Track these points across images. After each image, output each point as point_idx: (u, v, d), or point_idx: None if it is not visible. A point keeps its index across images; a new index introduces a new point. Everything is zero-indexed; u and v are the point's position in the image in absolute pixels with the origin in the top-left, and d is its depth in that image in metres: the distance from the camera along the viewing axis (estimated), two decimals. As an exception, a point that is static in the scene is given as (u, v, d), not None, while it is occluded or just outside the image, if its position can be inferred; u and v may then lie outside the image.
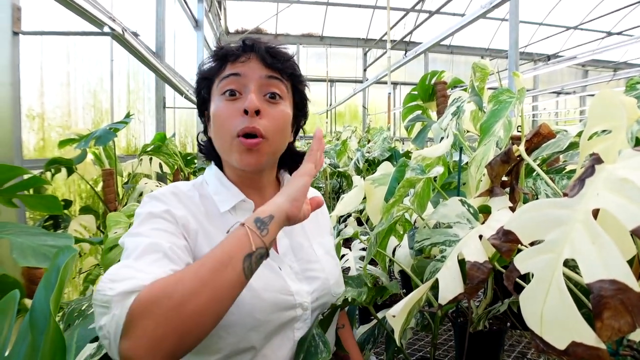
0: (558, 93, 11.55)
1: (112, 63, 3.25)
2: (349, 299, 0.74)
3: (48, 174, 2.06)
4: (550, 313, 0.40)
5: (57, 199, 1.38)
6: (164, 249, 0.61)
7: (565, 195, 0.42)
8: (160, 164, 2.72)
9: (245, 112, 0.72)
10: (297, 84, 0.83)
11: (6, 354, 0.42)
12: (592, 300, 0.34)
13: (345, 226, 1.78)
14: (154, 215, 0.68)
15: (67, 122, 2.64)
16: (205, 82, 0.81)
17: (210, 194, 0.80)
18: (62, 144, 2.12)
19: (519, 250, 0.48)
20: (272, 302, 0.72)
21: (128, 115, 2.16)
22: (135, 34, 1.96)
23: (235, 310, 0.67)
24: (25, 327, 0.42)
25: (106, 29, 1.57)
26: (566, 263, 0.58)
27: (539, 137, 0.63)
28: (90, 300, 1.04)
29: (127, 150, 3.59)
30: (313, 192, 1.01)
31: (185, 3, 5.62)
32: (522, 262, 0.43)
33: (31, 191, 1.78)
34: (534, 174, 1.01)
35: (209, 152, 0.85)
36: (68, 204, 2.18)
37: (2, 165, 1.23)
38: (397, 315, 0.51)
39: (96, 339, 0.75)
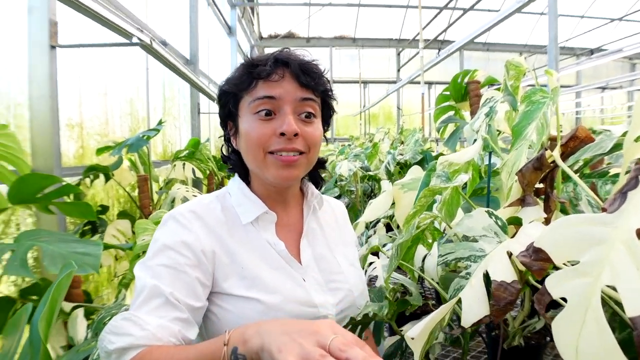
0: (603, 88, 10.94)
1: (148, 72, 3.35)
2: (370, 314, 0.70)
3: (87, 181, 2.13)
4: (586, 345, 0.35)
5: (90, 206, 1.42)
6: (165, 295, 0.65)
7: (603, 210, 0.37)
8: (193, 169, 2.77)
9: (282, 134, 0.73)
10: (327, 98, 0.83)
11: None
12: (635, 339, 0.29)
13: (375, 232, 1.73)
14: (168, 247, 0.70)
15: (105, 130, 2.73)
16: (232, 96, 0.80)
17: (233, 206, 0.81)
18: (100, 151, 2.19)
19: (556, 267, 0.43)
20: (295, 315, 0.71)
21: (160, 123, 2.20)
22: (164, 43, 2.00)
23: None
24: (27, 345, 0.41)
25: (134, 40, 1.61)
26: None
27: (576, 141, 0.57)
28: (118, 308, 1.06)
29: (164, 156, 3.68)
30: (335, 202, 0.98)
31: (219, 10, 5.73)
32: (554, 286, 0.39)
33: (71, 197, 1.85)
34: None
35: (235, 164, 0.85)
36: (105, 209, 2.25)
37: (36, 175, 1.28)
38: (416, 337, 0.47)
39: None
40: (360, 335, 0.82)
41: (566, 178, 0.95)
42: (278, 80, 0.75)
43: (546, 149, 0.57)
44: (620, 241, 0.35)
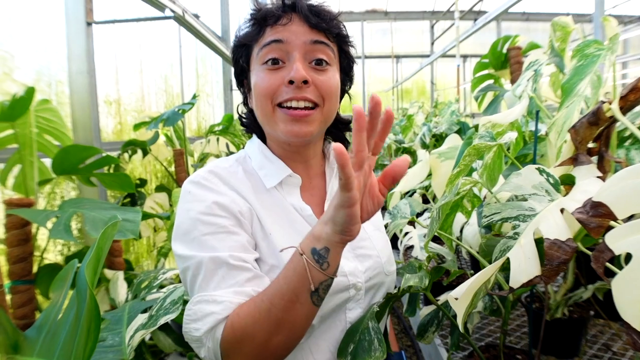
0: (654, 58, 10.23)
1: (181, 49, 3.38)
2: (411, 287, 0.68)
3: (125, 155, 2.19)
4: (654, 302, 0.32)
5: (129, 178, 1.46)
6: (225, 262, 0.62)
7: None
8: (227, 143, 2.80)
9: (291, 82, 0.66)
10: (343, 45, 0.75)
11: (58, 318, 0.43)
12: None
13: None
14: (203, 214, 0.66)
15: (141, 106, 2.79)
16: (243, 50, 0.74)
17: (255, 169, 0.76)
18: (137, 127, 2.24)
19: (610, 228, 0.40)
20: None
21: (194, 97, 2.22)
22: (196, 16, 1.99)
23: None
24: (74, 295, 0.42)
25: (167, 12, 1.60)
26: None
27: (637, 93, 0.52)
28: (156, 273, 1.09)
29: (198, 132, 3.74)
30: None
31: (249, -15, 5.67)
32: (616, 241, 0.36)
33: (112, 170, 1.91)
34: (627, 142, 0.87)
35: (251, 124, 0.79)
36: (143, 182, 2.32)
37: (78, 146, 1.32)
38: (460, 298, 0.45)
39: (146, 310, 0.77)
40: (392, 306, 0.80)
41: (618, 143, 0.89)
42: (286, 24, 0.68)
43: (603, 102, 0.53)
44: (698, 188, 0.31)
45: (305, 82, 0.67)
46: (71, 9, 1.81)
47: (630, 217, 0.40)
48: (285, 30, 0.68)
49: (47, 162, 1.39)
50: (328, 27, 0.70)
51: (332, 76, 0.71)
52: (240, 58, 0.75)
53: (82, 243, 1.66)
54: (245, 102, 0.80)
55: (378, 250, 0.78)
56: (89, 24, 1.83)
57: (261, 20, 0.70)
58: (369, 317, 0.67)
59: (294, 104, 0.67)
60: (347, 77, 0.79)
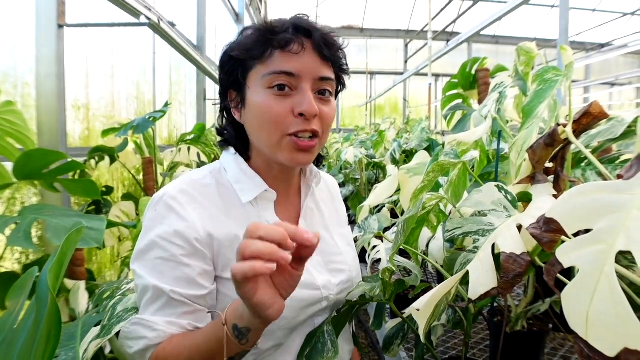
0: (612, 84, 10.81)
1: (155, 55, 3.34)
2: (366, 296, 0.70)
3: (92, 162, 2.14)
4: (598, 314, 0.34)
5: (95, 184, 1.42)
6: (167, 294, 0.65)
7: (619, 177, 0.37)
8: (198, 153, 2.77)
9: (300, 114, 0.67)
10: (341, 73, 0.77)
11: (15, 326, 0.42)
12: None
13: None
14: (161, 238, 0.66)
15: (111, 112, 2.73)
16: (241, 63, 0.70)
17: (230, 182, 0.74)
18: (105, 133, 2.19)
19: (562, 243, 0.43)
20: (300, 299, 0.70)
21: (166, 105, 2.20)
22: (172, 24, 1.99)
23: None
24: (33, 302, 0.41)
25: (142, 19, 1.59)
26: (619, 261, 0.51)
27: (589, 117, 0.56)
28: (119, 284, 1.06)
29: (169, 141, 3.69)
30: (328, 177, 0.96)
31: (226, -4, 5.69)
32: (566, 255, 0.38)
33: (77, 176, 1.86)
34: (583, 164, 0.92)
35: (233, 137, 0.76)
36: (110, 190, 2.26)
37: (42, 150, 1.28)
38: (421, 309, 0.47)
39: (99, 323, 0.77)
40: (356, 315, 0.82)
41: (575, 164, 0.94)
42: (298, 53, 0.66)
43: (558, 125, 0.56)
44: (637, 208, 0.34)
45: (315, 115, 0.68)
46: (42, 10, 1.76)
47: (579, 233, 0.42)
48: (297, 62, 0.67)
49: (8, 165, 1.34)
50: (335, 59, 0.71)
51: (333, 106, 0.73)
52: (236, 71, 0.71)
53: (41, 251, 1.60)
54: (229, 114, 0.77)
55: (350, 266, 0.80)
56: (60, 26, 1.79)
57: (269, 39, 0.68)
58: (326, 322, 0.70)
59: (300, 134, 0.68)
60: (336, 99, 0.80)
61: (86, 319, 0.79)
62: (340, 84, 0.78)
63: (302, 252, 0.53)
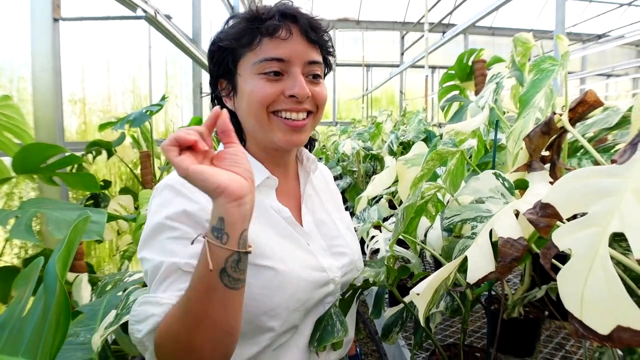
0: (608, 75, 10.81)
1: (150, 49, 3.32)
2: (369, 280, 0.71)
3: (89, 156, 2.13)
4: (592, 293, 0.35)
5: (94, 177, 1.42)
6: (180, 268, 0.61)
7: (613, 162, 0.38)
8: (195, 147, 2.76)
9: (291, 96, 0.69)
10: (327, 55, 0.78)
11: (23, 314, 0.43)
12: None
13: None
14: (170, 219, 0.64)
15: (108, 106, 2.72)
16: (230, 52, 0.71)
17: None
18: (102, 127, 2.19)
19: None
20: (311, 280, 0.72)
21: (163, 98, 2.19)
22: (168, 17, 1.98)
23: (279, 294, 0.67)
24: (41, 290, 0.42)
25: (139, 12, 1.59)
26: (614, 248, 0.52)
27: (585, 105, 0.57)
28: (121, 276, 1.07)
29: (166, 135, 3.68)
30: (321, 165, 0.95)
31: (221, -11, 5.64)
32: (561, 238, 0.39)
33: (75, 170, 1.86)
34: (579, 153, 0.94)
35: None
36: (108, 184, 2.26)
37: (40, 144, 1.28)
38: (421, 293, 0.48)
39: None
40: (358, 297, 0.83)
41: (571, 153, 0.95)
42: (286, 38, 0.68)
43: (554, 113, 0.57)
44: (630, 191, 0.35)
45: (307, 97, 0.70)
46: (38, 3, 1.75)
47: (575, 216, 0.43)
48: (286, 47, 0.69)
49: (6, 160, 1.34)
50: (322, 42, 0.73)
51: (324, 87, 0.75)
52: (225, 60, 0.72)
53: (41, 246, 1.60)
54: (220, 103, 0.78)
55: (351, 249, 0.82)
56: (55, 20, 1.78)
57: (256, 27, 0.69)
58: (333, 305, 0.73)
59: (293, 115, 0.70)
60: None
61: (111, 298, 0.79)
62: (327, 66, 0.79)
63: (220, 126, 0.56)
